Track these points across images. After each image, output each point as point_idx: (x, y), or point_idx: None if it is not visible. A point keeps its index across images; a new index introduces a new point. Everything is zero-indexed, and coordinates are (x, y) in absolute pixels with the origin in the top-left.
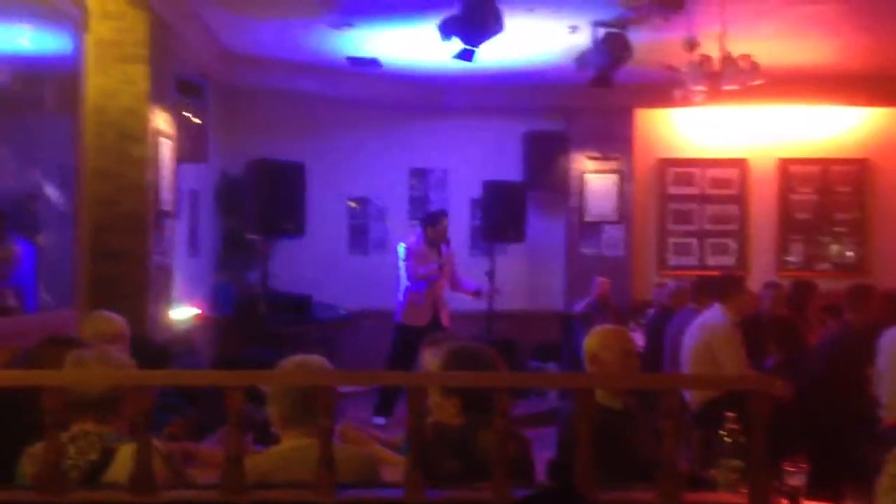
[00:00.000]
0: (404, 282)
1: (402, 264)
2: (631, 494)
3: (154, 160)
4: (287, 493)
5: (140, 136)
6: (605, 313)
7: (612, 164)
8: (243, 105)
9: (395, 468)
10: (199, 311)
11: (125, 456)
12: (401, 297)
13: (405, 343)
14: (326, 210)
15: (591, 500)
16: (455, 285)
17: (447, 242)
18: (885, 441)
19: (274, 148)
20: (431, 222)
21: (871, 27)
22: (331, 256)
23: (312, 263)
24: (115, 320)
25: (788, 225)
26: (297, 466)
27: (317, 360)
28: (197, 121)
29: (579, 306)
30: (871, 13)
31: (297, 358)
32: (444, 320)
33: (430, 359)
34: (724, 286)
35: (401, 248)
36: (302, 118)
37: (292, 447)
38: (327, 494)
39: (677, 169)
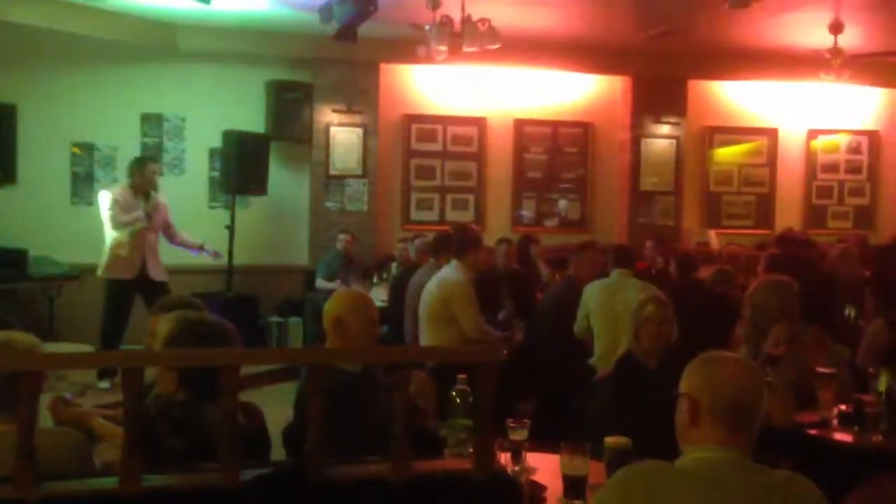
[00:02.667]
0: (108, 233)
1: (105, 214)
2: (363, 468)
3: None
4: None
5: None
6: (350, 269)
7: (358, 118)
8: None
9: (113, 445)
10: None
11: None
12: (105, 248)
13: (116, 298)
14: (44, 156)
15: (322, 478)
16: (172, 237)
17: (155, 189)
18: (595, 391)
19: None
20: (138, 166)
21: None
22: (50, 207)
23: (28, 214)
24: None
25: (522, 183)
26: None
27: (20, 337)
28: None
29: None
30: None
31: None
32: (155, 273)
33: (157, 327)
34: (460, 243)
35: (104, 196)
36: (13, 53)
37: None
38: (27, 488)
39: (421, 125)
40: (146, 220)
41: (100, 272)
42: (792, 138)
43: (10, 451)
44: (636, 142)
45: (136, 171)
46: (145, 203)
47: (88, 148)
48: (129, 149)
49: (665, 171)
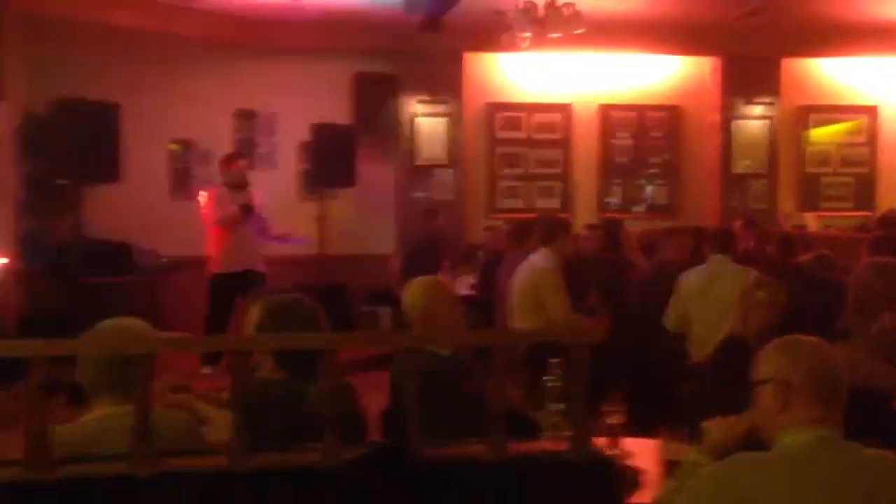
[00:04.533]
0: (209, 230)
1: (204, 213)
2: (459, 449)
3: None
4: (100, 466)
5: None
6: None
7: (442, 108)
8: (48, 39)
9: (220, 426)
10: (5, 262)
11: None
12: (210, 246)
13: (220, 292)
14: (145, 153)
15: (421, 458)
16: (264, 231)
17: (245, 183)
18: (694, 377)
19: (84, 86)
20: (228, 161)
21: None
22: (151, 202)
23: (131, 210)
24: None
25: (608, 168)
26: (112, 436)
27: (133, 323)
28: None
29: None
30: None
31: (115, 321)
32: (259, 265)
33: (250, 313)
34: (547, 230)
35: (201, 196)
36: (115, 54)
37: (105, 415)
38: (143, 466)
39: (505, 113)
40: (242, 215)
41: (209, 268)
42: (894, 116)
43: (117, 431)
44: (727, 124)
45: (225, 168)
46: (239, 197)
47: (185, 144)
48: (224, 145)
49: (758, 154)
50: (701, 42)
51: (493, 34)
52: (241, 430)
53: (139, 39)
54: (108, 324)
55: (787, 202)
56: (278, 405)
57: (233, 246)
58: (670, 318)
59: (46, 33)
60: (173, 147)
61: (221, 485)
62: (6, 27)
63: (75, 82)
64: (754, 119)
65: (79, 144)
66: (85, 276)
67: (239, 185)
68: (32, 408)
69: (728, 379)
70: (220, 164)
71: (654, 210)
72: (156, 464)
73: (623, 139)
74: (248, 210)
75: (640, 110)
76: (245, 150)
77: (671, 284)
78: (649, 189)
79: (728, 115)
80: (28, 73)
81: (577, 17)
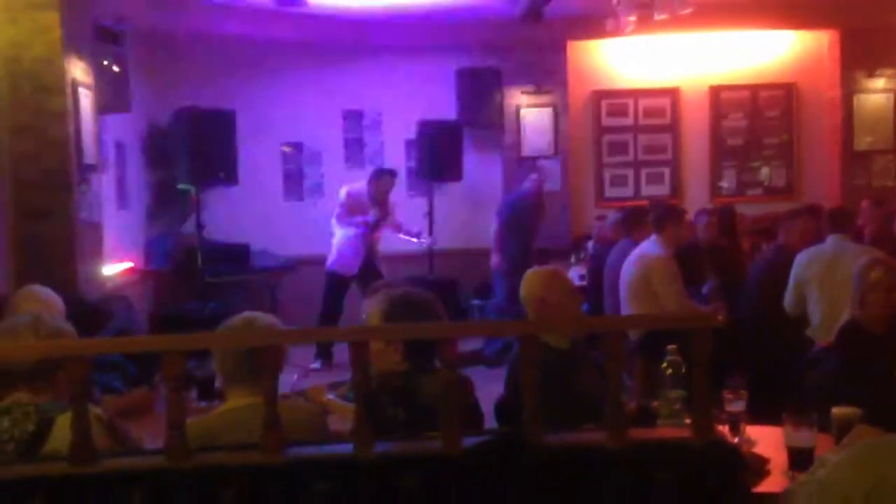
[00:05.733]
0: (335, 227)
1: (335, 209)
2: (579, 437)
3: (74, 112)
4: (232, 455)
5: (57, 87)
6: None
7: (547, 98)
8: (167, 51)
9: (341, 418)
10: (132, 266)
11: (64, 425)
12: (334, 243)
13: (336, 288)
14: (259, 156)
15: (540, 445)
16: (398, 229)
17: (386, 201)
18: (818, 363)
19: (201, 95)
20: (376, 178)
21: None
22: (266, 204)
23: (248, 212)
24: (44, 298)
25: (720, 151)
26: (245, 426)
27: (263, 318)
28: (116, 69)
29: None
30: None
31: (244, 316)
32: (372, 266)
33: (369, 308)
34: (659, 217)
35: (342, 191)
36: (229, 63)
37: (238, 406)
38: (274, 455)
39: (611, 100)
40: (369, 228)
41: (328, 264)
42: None
43: (249, 421)
44: (847, 99)
45: (374, 181)
46: (377, 211)
47: (297, 147)
48: (333, 146)
49: (882, 129)
50: (816, 15)
51: (596, 20)
52: (365, 419)
53: (249, 47)
54: (238, 318)
55: None
56: (397, 395)
57: (355, 250)
58: (788, 303)
59: (164, 47)
60: (285, 149)
61: (347, 472)
62: (130, 44)
63: (192, 91)
64: (877, 93)
65: (199, 151)
66: (208, 277)
67: (379, 201)
68: (172, 400)
69: (849, 364)
70: (371, 175)
71: (771, 192)
72: (285, 452)
73: (736, 120)
74: (374, 227)
75: (753, 90)
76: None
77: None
78: (765, 171)
79: (848, 90)
80: (150, 85)
81: None
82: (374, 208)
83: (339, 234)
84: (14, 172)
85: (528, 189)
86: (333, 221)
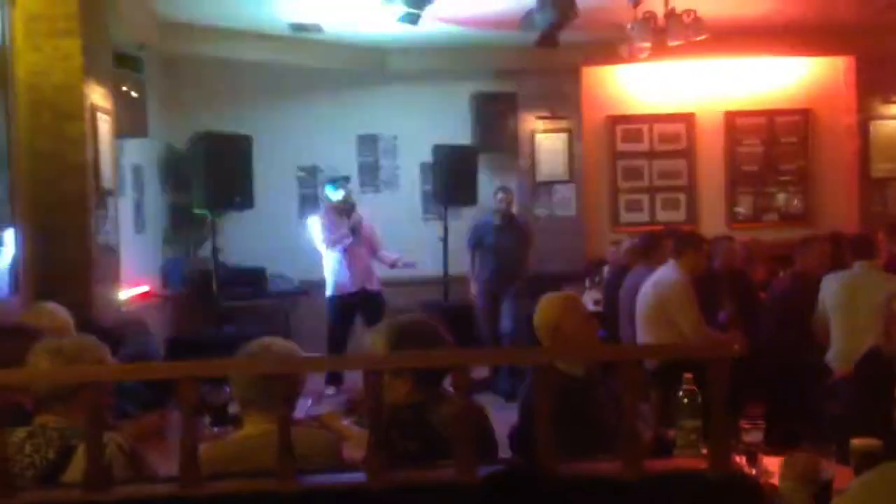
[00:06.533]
0: (324, 254)
1: (315, 238)
2: (594, 466)
3: (92, 137)
4: (246, 483)
5: (77, 113)
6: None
7: (562, 124)
8: (184, 76)
9: (355, 444)
10: (148, 290)
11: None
12: (325, 268)
13: (338, 313)
14: (275, 180)
15: (554, 475)
16: (374, 252)
17: (352, 208)
18: (836, 392)
19: (218, 119)
20: (333, 189)
21: None
22: (281, 228)
23: (264, 236)
24: (58, 313)
25: (736, 177)
26: (260, 453)
27: (281, 344)
28: (135, 94)
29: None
30: None
31: (262, 341)
32: (370, 285)
33: (373, 340)
34: (678, 243)
35: (312, 222)
36: (245, 88)
37: (253, 434)
38: (288, 483)
39: (626, 126)
40: (353, 236)
41: (327, 291)
42: None
43: (265, 449)
44: (864, 126)
45: (332, 192)
46: (348, 220)
47: (312, 171)
48: (349, 169)
49: None
50: (832, 42)
51: (611, 47)
52: (378, 447)
53: (265, 73)
54: (256, 344)
55: None
56: (409, 426)
57: (345, 267)
58: (815, 326)
59: (181, 71)
60: (300, 174)
61: (360, 501)
62: (148, 69)
63: (209, 116)
64: (893, 119)
65: (215, 175)
66: (224, 301)
67: (346, 209)
68: (186, 426)
69: (869, 394)
70: (325, 187)
71: (787, 218)
72: (298, 481)
73: (751, 146)
74: (354, 232)
75: (768, 116)
76: (369, 174)
77: (810, 296)
78: (781, 197)
79: (864, 117)
80: (167, 109)
81: (698, 23)
82: (344, 221)
83: (326, 259)
84: (33, 197)
85: (493, 209)
86: (321, 248)
